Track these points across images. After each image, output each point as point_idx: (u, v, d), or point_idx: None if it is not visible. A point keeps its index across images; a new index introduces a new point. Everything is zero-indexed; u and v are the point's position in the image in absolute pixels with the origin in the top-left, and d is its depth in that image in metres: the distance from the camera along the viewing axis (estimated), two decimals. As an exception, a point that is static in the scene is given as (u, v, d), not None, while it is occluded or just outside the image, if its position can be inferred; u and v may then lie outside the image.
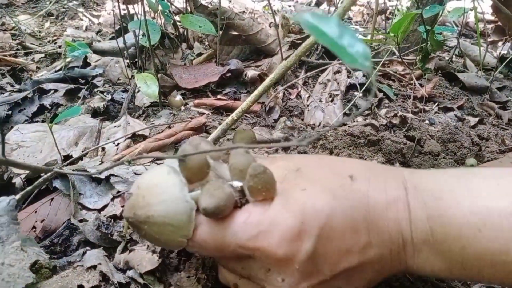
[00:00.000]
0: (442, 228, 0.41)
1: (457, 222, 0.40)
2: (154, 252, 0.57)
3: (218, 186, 0.42)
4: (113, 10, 2.20)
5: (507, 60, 1.58)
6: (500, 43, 1.86)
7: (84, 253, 0.61)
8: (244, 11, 2.21)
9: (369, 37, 1.71)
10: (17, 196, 0.61)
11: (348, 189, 0.44)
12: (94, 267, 0.57)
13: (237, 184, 0.45)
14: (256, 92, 0.74)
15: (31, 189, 0.63)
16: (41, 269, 0.57)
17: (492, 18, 2.30)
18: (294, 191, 0.44)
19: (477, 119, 1.15)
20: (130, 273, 0.57)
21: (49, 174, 0.63)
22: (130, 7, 1.34)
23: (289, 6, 2.44)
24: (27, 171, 0.76)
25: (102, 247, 0.63)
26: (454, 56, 1.75)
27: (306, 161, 0.51)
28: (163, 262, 0.57)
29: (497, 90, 1.38)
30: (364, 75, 1.20)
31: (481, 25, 2.39)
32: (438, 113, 1.18)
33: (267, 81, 0.72)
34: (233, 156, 0.46)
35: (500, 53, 1.64)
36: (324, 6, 2.43)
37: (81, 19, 2.09)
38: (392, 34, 0.78)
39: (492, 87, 1.36)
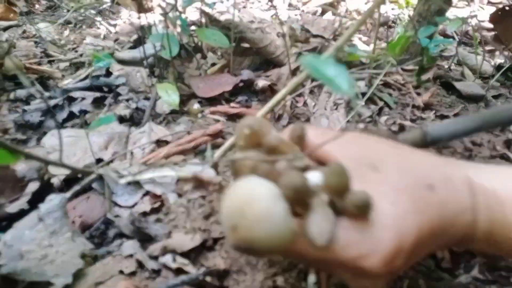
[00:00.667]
0: (502, 230, 0.46)
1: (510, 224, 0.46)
2: (194, 233, 0.67)
3: (324, 215, 0.42)
4: (127, 19, 2.31)
5: (503, 69, 1.66)
6: (497, 52, 1.94)
7: (121, 244, 0.71)
8: (252, 21, 2.31)
9: (371, 45, 1.80)
10: (67, 195, 0.70)
11: (430, 200, 0.45)
12: (131, 255, 0.67)
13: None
14: (269, 105, 0.83)
15: (80, 188, 0.73)
16: (85, 257, 0.67)
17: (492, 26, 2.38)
18: (383, 205, 0.44)
19: (471, 126, 1.24)
20: (163, 259, 0.67)
21: (93, 176, 0.72)
22: (144, 16, 1.43)
23: (295, 15, 2.53)
24: (66, 173, 0.86)
25: (136, 239, 0.72)
26: (453, 64, 1.84)
27: (381, 155, 0.49)
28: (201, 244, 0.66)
29: (492, 98, 1.46)
30: (366, 85, 1.29)
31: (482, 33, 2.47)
32: (435, 120, 1.26)
33: (279, 95, 0.81)
34: (328, 176, 0.44)
35: (495, 62, 1.72)
36: (329, 15, 2.52)
37: (98, 28, 2.19)
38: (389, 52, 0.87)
39: (488, 96, 1.45)
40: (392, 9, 2.94)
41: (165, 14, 1.11)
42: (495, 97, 1.54)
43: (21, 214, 0.73)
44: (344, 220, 0.44)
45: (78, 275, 0.61)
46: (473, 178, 0.47)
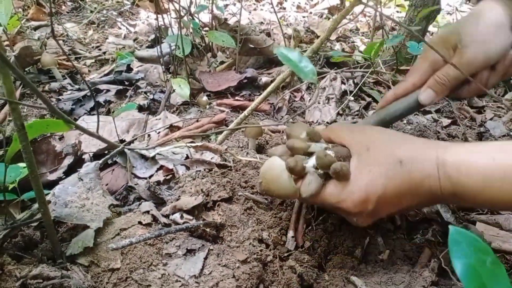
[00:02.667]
0: (462, 189, 0.62)
1: (468, 187, 0.61)
2: (198, 194, 0.84)
3: (312, 180, 0.69)
4: (145, 20, 2.50)
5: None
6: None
7: (140, 204, 0.89)
8: (262, 22, 2.48)
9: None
10: (100, 161, 0.88)
11: (398, 171, 0.65)
12: (148, 212, 0.85)
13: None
14: (262, 96, 1.00)
15: (109, 157, 0.91)
16: (112, 212, 0.85)
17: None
18: (363, 172, 0.66)
19: (450, 120, 1.38)
20: (172, 217, 0.84)
21: (119, 148, 0.91)
22: (161, 17, 1.62)
23: (303, 17, 2.69)
24: (94, 150, 1.04)
25: (151, 201, 0.90)
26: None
27: (374, 140, 0.71)
28: (202, 202, 0.83)
29: (475, 97, 1.60)
30: (355, 83, 1.45)
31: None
32: (417, 114, 1.42)
33: (270, 88, 0.98)
34: (317, 157, 0.69)
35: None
36: (335, 16, 2.67)
37: (119, 28, 2.39)
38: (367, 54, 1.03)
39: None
40: (397, 11, 3.08)
41: (179, 18, 1.29)
42: (480, 96, 1.68)
43: (59, 182, 0.91)
44: (333, 181, 0.69)
45: (107, 222, 0.78)
46: (439, 156, 0.64)
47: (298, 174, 0.70)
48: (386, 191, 0.65)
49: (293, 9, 2.87)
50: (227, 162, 0.99)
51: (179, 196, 0.89)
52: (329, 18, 2.61)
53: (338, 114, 1.34)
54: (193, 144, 0.96)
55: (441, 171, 0.63)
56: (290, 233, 0.83)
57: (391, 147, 0.69)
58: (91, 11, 2.63)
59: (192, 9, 1.47)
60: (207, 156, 1.02)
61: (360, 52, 1.89)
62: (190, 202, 0.82)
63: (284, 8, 2.91)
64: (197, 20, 1.57)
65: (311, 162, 0.71)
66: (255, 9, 2.78)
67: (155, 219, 0.84)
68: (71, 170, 1.01)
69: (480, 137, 1.30)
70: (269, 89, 1.02)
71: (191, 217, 0.83)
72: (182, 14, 1.43)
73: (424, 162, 0.65)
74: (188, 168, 0.98)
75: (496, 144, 0.68)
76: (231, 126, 1.06)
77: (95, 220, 0.76)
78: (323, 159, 0.68)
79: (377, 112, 0.93)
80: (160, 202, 0.92)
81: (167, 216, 0.86)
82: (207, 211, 0.86)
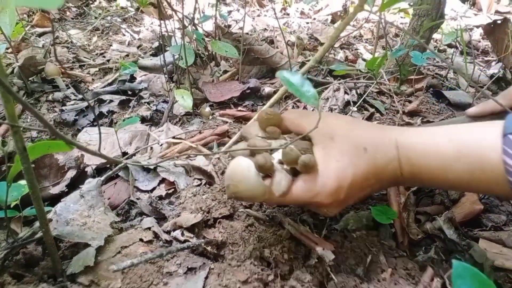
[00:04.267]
0: (419, 170, 0.66)
1: (426, 167, 0.65)
2: (198, 212, 0.84)
3: (282, 177, 0.67)
4: (149, 26, 2.50)
5: (494, 78, 1.79)
6: (493, 63, 2.06)
7: (141, 219, 0.89)
8: (265, 28, 2.48)
9: (376, 54, 1.95)
10: (102, 178, 0.89)
11: (363, 158, 0.67)
12: (149, 228, 0.85)
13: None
14: (264, 108, 1.00)
15: (111, 173, 0.91)
16: (114, 228, 0.85)
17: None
18: (331, 162, 0.66)
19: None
20: (174, 233, 0.84)
21: (122, 164, 0.91)
22: (164, 24, 1.62)
23: (307, 23, 2.69)
24: (97, 163, 1.05)
25: (153, 217, 0.90)
26: (452, 73, 1.97)
27: (337, 129, 0.71)
28: (202, 220, 0.83)
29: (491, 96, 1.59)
30: (358, 94, 1.45)
31: (480, 43, 2.58)
32: (421, 125, 1.41)
33: (272, 100, 0.98)
34: (284, 153, 0.68)
35: (487, 72, 1.84)
36: (339, 23, 2.66)
37: (124, 35, 2.39)
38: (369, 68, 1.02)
39: (475, 103, 1.58)
40: (401, 17, 3.07)
41: (183, 29, 1.29)
42: (484, 105, 1.67)
43: (61, 195, 0.91)
44: (301, 177, 0.68)
45: (108, 240, 0.78)
46: (398, 139, 0.67)
47: (267, 171, 0.69)
48: (355, 178, 0.66)
49: (296, 15, 2.87)
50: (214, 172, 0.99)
51: (180, 213, 0.89)
52: (333, 23, 2.61)
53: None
54: (187, 143, 0.97)
55: (401, 153, 0.67)
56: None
57: (354, 135, 0.70)
58: (96, 17, 2.64)
59: (196, 17, 1.47)
60: (201, 163, 1.02)
61: (364, 60, 1.88)
62: (190, 220, 0.82)
63: (288, 14, 2.91)
64: (200, 30, 1.57)
65: (276, 158, 0.71)
66: (258, 15, 2.78)
67: (156, 236, 0.84)
68: (73, 183, 1.01)
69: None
70: (272, 100, 1.02)
71: (191, 235, 0.83)
72: (186, 23, 1.43)
73: (386, 147, 0.68)
74: (187, 172, 0.98)
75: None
76: (233, 138, 1.06)
77: (96, 238, 0.76)
78: (290, 153, 0.67)
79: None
80: (161, 217, 0.92)
81: (168, 233, 0.86)
82: (208, 228, 0.85)
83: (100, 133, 0.74)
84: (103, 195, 0.84)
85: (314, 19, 2.78)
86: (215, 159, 1.05)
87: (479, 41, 2.63)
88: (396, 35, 2.62)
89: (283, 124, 0.78)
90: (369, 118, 1.39)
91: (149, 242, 0.82)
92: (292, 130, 0.77)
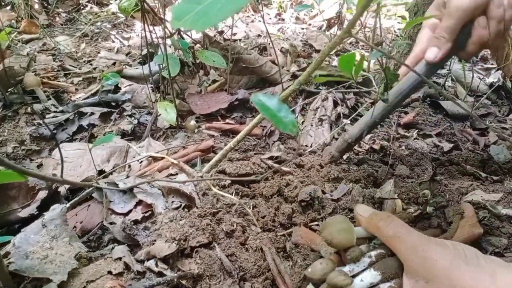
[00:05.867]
0: None
1: None
2: (172, 242, 0.77)
3: None
4: (140, 33, 2.43)
5: (493, 87, 1.73)
6: (493, 71, 2.00)
7: (112, 248, 0.82)
8: (259, 35, 2.42)
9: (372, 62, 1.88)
10: (67, 205, 0.82)
11: None
12: (120, 258, 0.78)
13: None
14: (250, 126, 0.93)
15: (78, 199, 0.84)
16: (81, 259, 0.78)
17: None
18: None
19: (451, 145, 1.31)
20: (147, 264, 0.77)
21: (91, 189, 0.84)
22: (154, 31, 1.55)
23: (302, 28, 2.63)
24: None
25: (126, 244, 0.83)
26: (451, 81, 1.90)
27: (435, 268, 0.59)
28: (177, 250, 0.76)
29: (478, 117, 1.53)
30: (348, 106, 1.38)
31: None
32: (418, 139, 1.34)
33: (260, 116, 0.91)
34: None
35: (486, 80, 1.78)
36: (335, 29, 2.60)
37: (113, 41, 2.33)
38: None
39: (474, 114, 1.51)
40: (398, 22, 3.01)
41: (164, 38, 1.23)
42: (484, 116, 1.60)
43: (32, 218, 0.85)
44: None
45: (73, 274, 0.71)
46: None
47: None
48: None
49: (292, 21, 2.80)
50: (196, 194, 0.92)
51: (155, 240, 0.82)
52: (329, 29, 2.54)
53: (333, 138, 1.27)
54: (170, 159, 0.90)
55: None
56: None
57: (453, 279, 0.57)
58: (85, 23, 2.57)
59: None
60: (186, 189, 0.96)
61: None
62: (163, 250, 0.76)
63: (283, 20, 2.85)
64: (187, 38, 1.50)
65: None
66: (252, 21, 2.71)
67: (127, 267, 0.77)
68: (45, 205, 0.94)
69: (484, 164, 1.22)
70: (243, 131, 0.95)
71: (166, 266, 0.76)
72: (172, 32, 1.37)
73: None
74: (164, 196, 0.91)
75: None
76: (216, 157, 0.99)
77: (59, 272, 0.70)
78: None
79: (391, 90, 0.95)
80: (136, 244, 0.85)
81: (142, 262, 0.79)
82: (184, 259, 0.79)
83: (61, 155, 0.67)
84: (68, 224, 0.77)
85: (310, 24, 2.72)
86: (197, 178, 0.98)
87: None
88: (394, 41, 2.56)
89: (357, 223, 0.71)
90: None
91: (119, 274, 0.75)
92: (381, 239, 0.67)
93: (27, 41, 2.27)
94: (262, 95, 0.55)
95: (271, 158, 1.11)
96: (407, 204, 0.96)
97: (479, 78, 1.81)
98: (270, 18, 2.85)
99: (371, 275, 0.65)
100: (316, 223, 0.91)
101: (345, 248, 0.68)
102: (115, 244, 0.84)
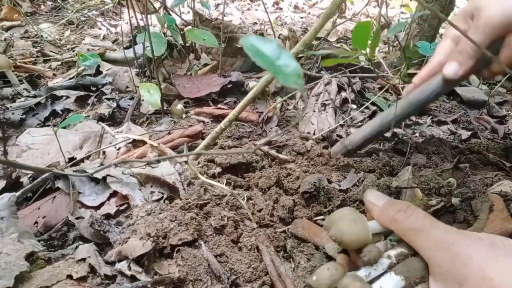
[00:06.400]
0: None
1: None
2: (147, 239, 0.63)
3: None
4: (129, 20, 2.30)
5: (508, 75, 1.59)
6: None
7: (76, 247, 0.67)
8: (255, 22, 2.28)
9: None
10: (17, 193, 0.67)
11: None
12: (84, 259, 0.64)
13: None
14: (241, 104, 0.79)
15: (31, 187, 0.70)
16: (37, 260, 0.64)
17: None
18: None
19: (469, 132, 1.17)
20: (118, 266, 0.63)
21: (47, 174, 0.70)
22: (144, 18, 1.41)
23: (301, 17, 2.49)
24: (32, 172, 0.83)
25: (94, 243, 0.69)
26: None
27: (468, 271, 0.49)
28: (153, 249, 0.62)
29: (495, 105, 1.39)
30: (354, 90, 1.24)
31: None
32: (432, 126, 1.21)
33: (250, 94, 0.77)
34: None
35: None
36: (335, 17, 2.47)
37: (100, 28, 2.19)
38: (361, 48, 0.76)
39: (491, 102, 1.38)
40: (402, 12, 2.88)
41: (145, 13, 1.08)
42: (500, 103, 1.47)
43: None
44: None
45: (21, 278, 0.57)
46: None
47: None
48: None
49: (290, 9, 2.67)
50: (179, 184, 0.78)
51: (128, 238, 0.67)
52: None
53: (340, 125, 1.12)
54: (149, 141, 0.76)
55: None
56: (274, 290, 0.62)
57: (495, 278, 0.47)
58: (71, 10, 2.43)
59: (169, 3, 1.26)
60: (164, 171, 0.81)
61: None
62: (136, 249, 0.61)
63: (281, 9, 2.71)
64: (176, 17, 1.36)
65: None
66: (249, 9, 2.58)
67: (93, 269, 0.63)
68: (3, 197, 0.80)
69: (507, 153, 1.08)
70: (250, 94, 0.82)
71: (140, 269, 0.62)
72: (157, 7, 1.23)
73: None
74: (141, 184, 0.77)
75: None
76: (205, 142, 0.85)
77: (3, 276, 0.55)
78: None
79: (401, 100, 0.86)
80: (106, 243, 0.71)
81: (112, 264, 0.65)
82: (163, 260, 0.64)
83: (4, 134, 0.53)
84: (18, 217, 0.63)
85: (309, 13, 2.58)
86: (181, 166, 0.84)
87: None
88: (397, 30, 2.43)
89: (369, 214, 0.61)
90: (371, 117, 1.18)
91: (82, 279, 0.61)
92: (382, 223, 0.57)
93: (7, 28, 2.12)
94: (255, 38, 0.41)
95: (269, 144, 0.97)
96: (427, 196, 0.82)
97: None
98: (268, 7, 2.71)
99: (392, 281, 0.52)
100: (321, 217, 0.77)
101: (358, 247, 0.54)
102: (81, 242, 0.69)
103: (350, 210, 0.58)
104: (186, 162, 0.76)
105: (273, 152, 0.91)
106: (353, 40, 0.62)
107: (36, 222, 0.78)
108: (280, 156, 0.90)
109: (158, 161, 0.73)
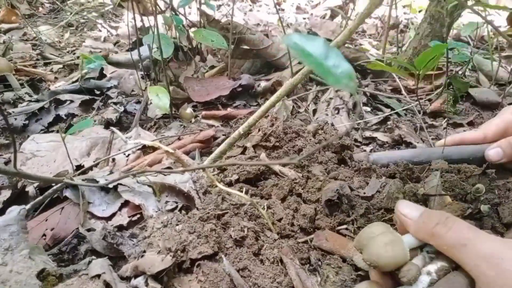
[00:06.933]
0: None
1: None
2: (167, 253, 0.59)
3: None
4: (129, 22, 2.26)
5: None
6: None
7: (89, 262, 0.63)
8: (258, 24, 2.24)
9: (381, 50, 1.72)
10: (27, 206, 0.63)
11: None
12: (98, 276, 0.60)
13: None
14: (263, 108, 0.75)
15: (42, 199, 0.66)
16: (48, 277, 0.60)
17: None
18: None
19: (486, 135, 1.14)
20: (134, 282, 0.59)
21: (59, 185, 0.65)
22: (146, 19, 1.37)
23: (304, 18, 2.46)
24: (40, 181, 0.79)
25: (107, 257, 0.65)
26: (468, 70, 1.74)
27: None
28: (174, 264, 0.58)
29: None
30: (366, 94, 1.21)
31: (497, 39, 2.37)
32: (447, 128, 1.17)
33: (273, 97, 0.74)
34: None
35: (508, 68, 1.62)
36: (338, 18, 2.44)
37: (100, 30, 2.14)
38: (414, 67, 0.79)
39: (504, 103, 1.35)
40: (405, 13, 2.86)
41: (154, 13, 1.04)
42: (512, 104, 1.44)
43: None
44: None
45: (33, 299, 0.53)
46: None
47: None
48: None
49: (292, 10, 2.63)
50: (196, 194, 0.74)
51: (144, 251, 0.63)
52: (332, 19, 2.38)
53: (355, 129, 1.09)
54: (164, 147, 0.72)
55: None
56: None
57: None
58: (70, 12, 2.38)
59: (176, 3, 1.22)
60: (177, 179, 0.77)
61: (380, 61, 1.64)
62: (155, 264, 0.57)
63: (283, 10, 2.68)
64: (182, 18, 1.32)
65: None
66: (250, 10, 2.54)
67: (108, 287, 0.58)
68: (9, 207, 0.75)
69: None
70: (273, 98, 0.78)
71: (159, 285, 0.58)
72: (164, 8, 1.19)
73: None
74: (156, 194, 0.73)
75: None
76: (221, 148, 0.81)
77: (13, 297, 0.51)
78: None
79: (438, 149, 0.90)
80: (120, 257, 0.67)
81: (127, 279, 0.61)
82: (182, 275, 0.60)
83: (14, 144, 0.50)
84: (28, 231, 0.59)
85: (312, 14, 2.55)
86: (196, 173, 0.80)
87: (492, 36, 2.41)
88: (402, 31, 2.40)
89: (401, 227, 0.57)
90: (385, 121, 1.15)
91: (97, 298, 0.57)
92: (418, 237, 0.53)
93: (6, 31, 2.07)
94: (298, 36, 0.37)
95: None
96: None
97: (502, 66, 1.66)
98: (269, 8, 2.67)
99: None
100: (345, 226, 0.73)
101: (396, 268, 0.50)
102: (93, 256, 0.65)
103: (381, 227, 0.55)
104: (203, 169, 0.72)
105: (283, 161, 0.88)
106: (417, 64, 0.63)
107: (44, 235, 0.74)
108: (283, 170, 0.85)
109: (183, 172, 0.69)
